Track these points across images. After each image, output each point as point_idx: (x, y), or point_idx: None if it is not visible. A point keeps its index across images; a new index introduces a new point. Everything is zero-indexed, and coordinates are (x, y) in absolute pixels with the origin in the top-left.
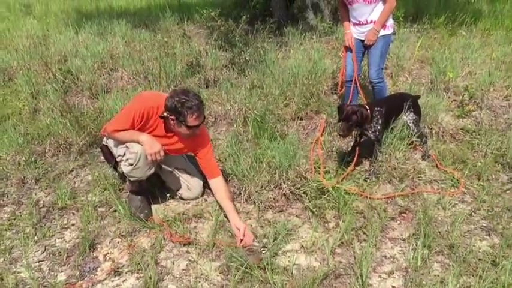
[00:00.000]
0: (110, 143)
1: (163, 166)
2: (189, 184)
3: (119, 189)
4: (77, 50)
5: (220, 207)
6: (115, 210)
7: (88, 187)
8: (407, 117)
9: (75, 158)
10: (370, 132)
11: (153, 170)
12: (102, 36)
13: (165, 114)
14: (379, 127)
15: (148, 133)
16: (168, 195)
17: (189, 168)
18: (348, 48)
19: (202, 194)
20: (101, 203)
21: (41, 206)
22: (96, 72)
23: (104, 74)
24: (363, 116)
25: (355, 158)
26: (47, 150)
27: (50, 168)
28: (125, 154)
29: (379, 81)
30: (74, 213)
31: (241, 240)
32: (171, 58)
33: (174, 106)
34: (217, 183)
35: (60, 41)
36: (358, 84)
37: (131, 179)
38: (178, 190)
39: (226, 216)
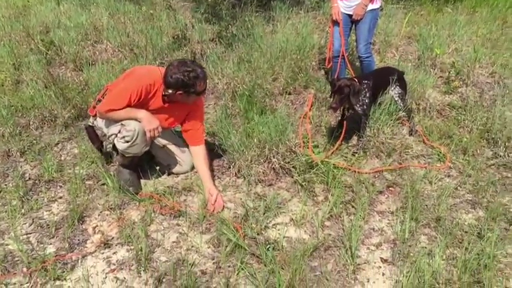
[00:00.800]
0: (99, 123)
1: (154, 142)
2: (180, 159)
3: (107, 163)
4: (59, 21)
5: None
6: (103, 184)
7: (75, 160)
8: (393, 91)
9: (61, 130)
10: (358, 106)
11: (148, 146)
12: (85, 7)
13: (170, 91)
14: (366, 100)
15: (146, 108)
16: (157, 168)
17: (179, 143)
18: (335, 23)
19: (192, 168)
20: (89, 176)
21: (27, 178)
22: (80, 44)
23: (88, 46)
24: (355, 89)
25: (342, 133)
26: (31, 123)
27: (35, 141)
28: (120, 132)
29: (368, 55)
30: (61, 186)
31: (213, 205)
32: (157, 31)
33: (181, 81)
34: (199, 150)
35: (42, 11)
36: (346, 59)
37: (126, 155)
38: (168, 165)
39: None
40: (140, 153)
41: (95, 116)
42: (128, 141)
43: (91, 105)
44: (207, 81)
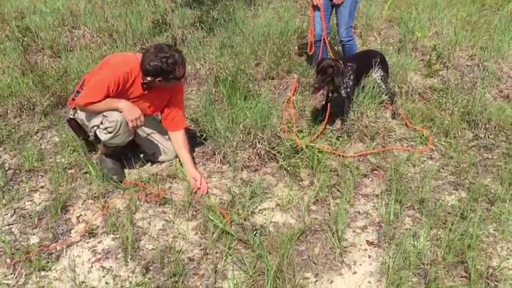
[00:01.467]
0: (79, 115)
1: (138, 131)
2: (164, 147)
3: (89, 151)
4: (34, 6)
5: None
6: (86, 172)
7: (56, 149)
8: (376, 74)
9: (40, 119)
10: (342, 88)
11: (132, 136)
12: None
13: (149, 79)
14: (351, 83)
15: (126, 98)
16: (141, 156)
17: (163, 131)
18: (315, 7)
19: (177, 156)
20: (71, 164)
21: (7, 168)
22: (57, 29)
23: (65, 31)
24: (339, 70)
25: (326, 116)
26: (9, 111)
27: (13, 130)
28: (102, 123)
29: (349, 39)
30: (42, 176)
31: (198, 189)
32: (136, 16)
33: (159, 68)
34: (178, 135)
35: None
36: (327, 43)
37: (109, 145)
38: (153, 154)
39: None
40: (123, 143)
41: (74, 108)
42: (110, 132)
43: (70, 97)
44: (187, 65)
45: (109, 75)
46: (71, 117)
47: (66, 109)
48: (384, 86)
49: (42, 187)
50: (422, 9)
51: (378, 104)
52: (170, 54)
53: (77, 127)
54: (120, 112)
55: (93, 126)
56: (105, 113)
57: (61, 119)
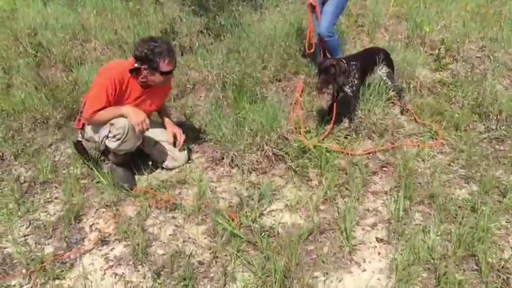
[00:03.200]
0: (88, 133)
1: (146, 140)
2: (174, 155)
3: (100, 160)
4: (46, 22)
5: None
6: (98, 182)
7: (69, 160)
8: (381, 71)
9: (53, 131)
10: (347, 87)
11: (140, 141)
12: (72, 6)
13: (136, 65)
14: (356, 81)
15: (126, 99)
16: (150, 163)
17: (170, 139)
18: (312, 7)
19: (186, 162)
20: (83, 175)
21: (22, 181)
22: (68, 44)
23: (76, 45)
24: (341, 69)
25: (333, 116)
26: (23, 126)
27: (28, 144)
28: (110, 131)
29: (330, 36)
30: (56, 187)
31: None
32: (145, 26)
33: (144, 54)
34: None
35: (29, 14)
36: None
37: (119, 153)
38: (163, 162)
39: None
40: (132, 149)
41: (81, 128)
42: (119, 139)
43: (76, 119)
44: (175, 61)
45: (105, 81)
46: (78, 139)
47: (75, 136)
48: (390, 82)
49: (56, 198)
50: (430, 3)
51: (385, 101)
52: (158, 44)
53: (82, 150)
54: (126, 118)
55: (102, 138)
56: (111, 122)
57: (74, 131)
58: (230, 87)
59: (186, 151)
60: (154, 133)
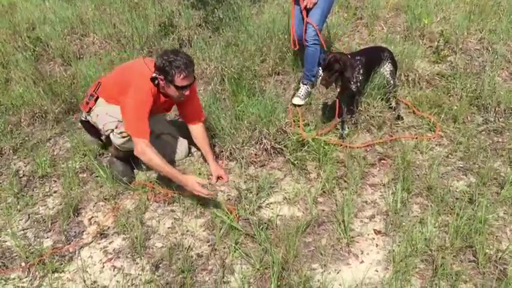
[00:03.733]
0: (92, 118)
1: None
2: (176, 148)
3: (99, 154)
4: (45, 16)
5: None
6: (97, 175)
7: (68, 154)
8: (385, 68)
9: (52, 126)
10: (352, 83)
11: None
12: (70, 1)
13: (154, 74)
14: (360, 77)
15: (159, 105)
16: None
17: (173, 132)
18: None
19: (187, 155)
20: (82, 168)
21: (21, 175)
22: (67, 38)
23: (74, 39)
24: (346, 64)
25: (336, 110)
26: (22, 120)
27: (27, 138)
28: (117, 127)
29: (314, 42)
30: (55, 181)
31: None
32: (143, 19)
33: (162, 65)
34: (198, 128)
35: (27, 8)
36: (322, 41)
37: (122, 149)
38: (164, 155)
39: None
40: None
41: (88, 111)
42: (124, 137)
43: (84, 100)
44: (192, 77)
45: (141, 97)
46: (83, 119)
47: (77, 115)
48: (392, 81)
49: (55, 192)
50: None
51: (384, 94)
52: (178, 58)
53: (90, 128)
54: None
55: (107, 130)
56: (120, 118)
57: (72, 125)
58: (229, 80)
59: (187, 143)
60: (157, 126)
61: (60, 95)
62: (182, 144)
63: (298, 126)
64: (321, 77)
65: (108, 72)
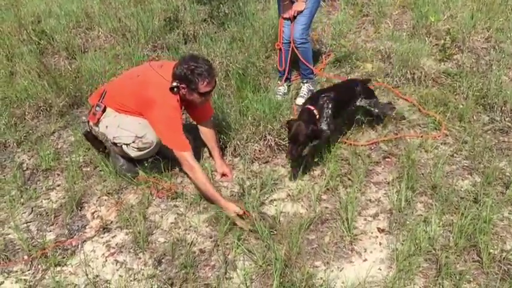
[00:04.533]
0: (100, 129)
1: None
2: None
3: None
4: (50, 10)
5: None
6: (101, 170)
7: (71, 148)
8: (361, 103)
9: (56, 119)
10: (323, 124)
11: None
12: None
13: (174, 84)
14: (329, 111)
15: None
16: None
17: None
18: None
19: None
20: (86, 162)
21: (25, 168)
22: (72, 31)
23: (80, 33)
24: (312, 134)
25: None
26: (26, 113)
27: (31, 131)
28: (134, 142)
29: (303, 41)
30: (58, 174)
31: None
32: (149, 14)
33: (184, 74)
34: (206, 126)
35: (33, 1)
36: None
37: (136, 158)
38: (168, 153)
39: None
40: (151, 157)
41: (96, 123)
42: (141, 150)
43: (90, 111)
44: (215, 82)
45: (171, 113)
46: (88, 130)
47: (81, 109)
48: (376, 110)
49: (58, 185)
50: None
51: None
52: (199, 64)
53: (93, 140)
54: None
55: (119, 142)
56: (138, 134)
57: (76, 119)
58: (233, 76)
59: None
60: None
61: (65, 88)
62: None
63: None
64: (287, 150)
65: (114, 73)
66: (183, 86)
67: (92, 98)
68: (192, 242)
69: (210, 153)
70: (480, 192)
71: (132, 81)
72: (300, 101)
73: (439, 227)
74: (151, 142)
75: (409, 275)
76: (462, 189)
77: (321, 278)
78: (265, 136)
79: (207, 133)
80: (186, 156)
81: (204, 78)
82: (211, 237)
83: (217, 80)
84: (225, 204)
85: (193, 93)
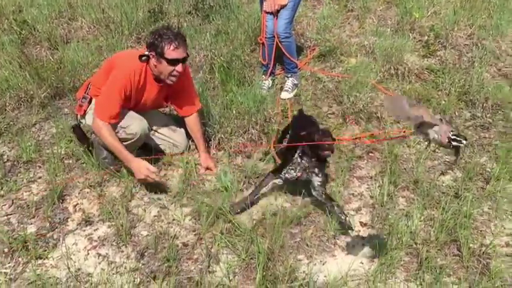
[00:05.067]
0: (88, 121)
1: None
2: (174, 141)
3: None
4: None
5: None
6: (83, 162)
7: (53, 140)
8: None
9: (38, 111)
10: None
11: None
12: None
13: (146, 52)
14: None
15: (142, 96)
16: None
17: (169, 123)
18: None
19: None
20: (68, 155)
21: (5, 160)
22: (54, 22)
23: (62, 23)
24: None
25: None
26: (7, 104)
27: (11, 122)
28: (118, 132)
29: (287, 35)
30: (40, 167)
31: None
32: (133, 5)
33: (152, 40)
34: (191, 120)
35: None
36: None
37: None
38: (164, 150)
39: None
40: (135, 150)
41: (83, 115)
42: (126, 141)
43: (77, 103)
44: (184, 52)
45: (120, 81)
46: (77, 124)
47: (63, 100)
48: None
49: (39, 177)
50: None
51: (371, 88)
52: (167, 32)
53: (81, 135)
54: (139, 123)
55: None
56: (123, 124)
57: (58, 110)
58: (218, 69)
59: (185, 133)
60: (153, 121)
61: (47, 79)
62: (181, 136)
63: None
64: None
65: (96, 64)
66: (152, 53)
67: (78, 93)
68: (175, 235)
69: (196, 147)
70: (461, 188)
71: (108, 62)
72: (284, 95)
73: (420, 221)
74: (135, 133)
75: (391, 269)
76: (443, 184)
77: (304, 272)
78: (249, 129)
79: (193, 127)
80: (98, 122)
81: (170, 41)
82: (194, 231)
83: (189, 52)
84: (134, 160)
85: (161, 59)
